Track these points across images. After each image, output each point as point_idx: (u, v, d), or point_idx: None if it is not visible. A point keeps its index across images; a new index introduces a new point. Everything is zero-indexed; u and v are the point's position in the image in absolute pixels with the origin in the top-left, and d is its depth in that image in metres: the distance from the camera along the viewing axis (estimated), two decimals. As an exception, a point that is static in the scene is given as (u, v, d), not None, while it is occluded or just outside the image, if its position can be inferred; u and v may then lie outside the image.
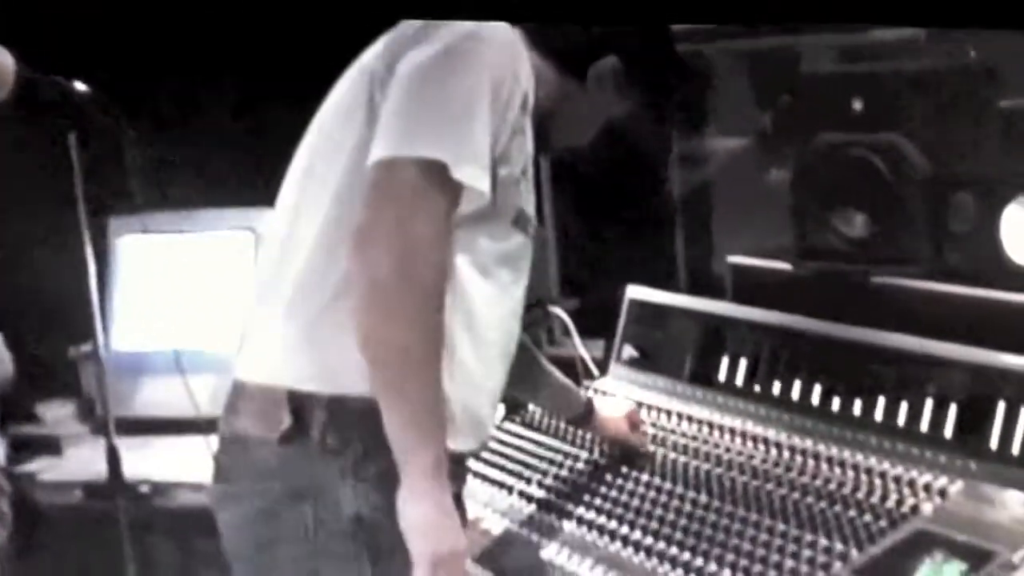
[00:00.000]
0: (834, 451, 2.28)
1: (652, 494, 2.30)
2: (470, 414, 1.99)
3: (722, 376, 2.61)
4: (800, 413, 2.43)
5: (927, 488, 2.12)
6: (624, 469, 2.41)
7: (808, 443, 2.33)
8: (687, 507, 2.23)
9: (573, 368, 2.87)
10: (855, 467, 2.22)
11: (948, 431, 2.21)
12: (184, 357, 3.07)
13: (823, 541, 2.04)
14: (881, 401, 2.31)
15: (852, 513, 2.11)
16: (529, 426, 2.67)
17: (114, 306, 3.41)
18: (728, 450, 2.39)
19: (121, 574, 2.99)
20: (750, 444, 2.39)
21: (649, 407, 2.62)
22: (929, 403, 2.25)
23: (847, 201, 2.56)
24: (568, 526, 2.27)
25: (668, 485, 2.32)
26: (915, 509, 2.08)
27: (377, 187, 1.83)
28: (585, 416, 2.51)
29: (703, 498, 2.25)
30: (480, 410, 2.02)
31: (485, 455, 2.49)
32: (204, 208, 3.39)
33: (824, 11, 0.86)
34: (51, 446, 3.32)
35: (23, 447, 3.27)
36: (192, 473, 2.87)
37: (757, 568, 2.01)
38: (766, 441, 2.38)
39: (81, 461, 3.19)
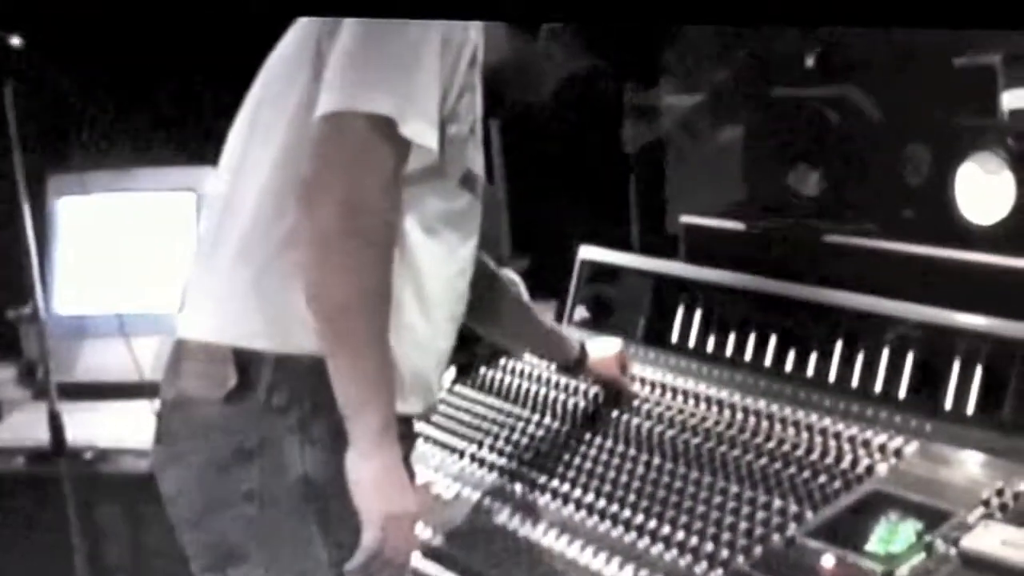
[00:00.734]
0: (788, 412, 2.26)
1: (604, 457, 2.27)
2: (418, 376, 1.96)
3: (675, 337, 2.58)
4: (753, 374, 2.41)
5: (882, 448, 2.11)
6: (577, 432, 2.38)
7: (762, 404, 2.31)
8: (640, 470, 2.20)
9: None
10: (809, 428, 2.20)
11: (902, 391, 2.20)
12: (127, 320, 3.02)
13: (778, 502, 2.02)
14: (835, 361, 2.30)
15: (807, 474, 2.09)
16: (481, 389, 2.64)
17: (55, 268, 3.34)
18: (681, 412, 2.36)
19: (66, 540, 2.95)
20: (703, 406, 2.37)
21: (601, 368, 2.59)
22: (883, 363, 2.23)
23: (800, 157, 2.53)
24: (520, 490, 2.24)
25: (621, 448, 2.29)
26: (870, 470, 2.07)
27: (324, 141, 1.81)
28: (580, 362, 2.48)
29: (656, 460, 2.22)
30: (427, 373, 1.99)
31: (436, 419, 2.46)
32: (145, 167, 3.33)
33: (825, 12, 0.82)
34: (-9, 411, 3.27)
35: (-38, 412, 3.21)
36: (137, 438, 2.82)
37: (711, 530, 1.99)
38: (720, 403, 2.36)
39: (23, 426, 3.12)
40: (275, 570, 1.90)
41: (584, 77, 2.19)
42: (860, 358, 2.26)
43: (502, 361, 2.69)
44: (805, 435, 2.19)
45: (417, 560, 2.04)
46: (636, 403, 2.43)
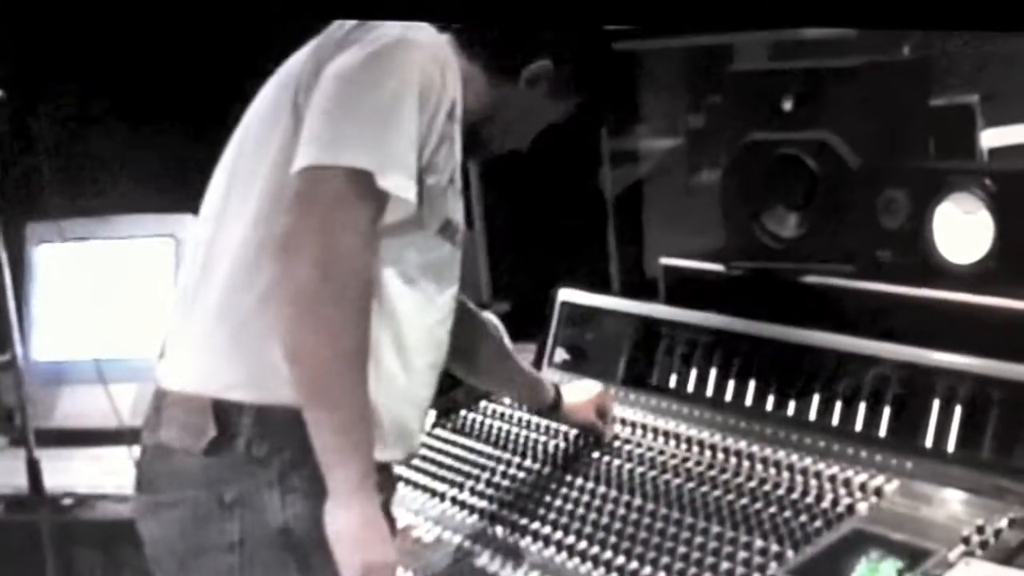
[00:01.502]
0: (768, 452, 2.26)
1: (586, 498, 2.26)
2: (397, 424, 1.95)
3: (655, 378, 2.58)
4: (733, 414, 2.41)
5: (862, 487, 2.10)
6: (557, 473, 2.37)
7: (742, 444, 2.30)
8: (621, 510, 2.20)
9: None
10: (790, 467, 2.20)
11: (883, 430, 2.20)
12: (105, 366, 3.01)
13: (759, 542, 2.02)
14: (815, 401, 2.30)
15: (787, 514, 2.08)
16: (461, 432, 2.63)
17: (33, 315, 3.33)
18: (662, 452, 2.36)
19: (45, 586, 2.93)
20: (684, 446, 2.36)
21: (581, 410, 2.58)
22: (863, 402, 2.23)
23: (778, 200, 2.54)
24: (501, 532, 2.23)
25: (602, 489, 2.28)
26: (851, 508, 2.06)
27: (301, 195, 1.80)
28: (554, 405, 2.47)
29: (637, 501, 2.22)
30: (408, 421, 1.99)
31: (416, 462, 2.45)
32: (123, 214, 3.32)
33: (820, 14, 0.83)
34: (-31, 458, 3.24)
35: (-60, 459, 3.19)
36: (115, 484, 2.80)
37: (692, 571, 1.98)
38: (700, 443, 2.35)
39: (1, 473, 3.10)
40: None
41: (563, 123, 2.19)
42: (840, 397, 2.26)
43: (483, 404, 2.69)
44: (786, 474, 2.19)
45: (399, 603, 2.03)
46: (616, 444, 2.42)
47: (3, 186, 2.82)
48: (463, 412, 2.68)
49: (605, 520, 2.17)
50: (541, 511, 2.24)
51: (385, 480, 1.93)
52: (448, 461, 2.51)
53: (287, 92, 1.92)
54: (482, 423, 2.62)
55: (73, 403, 3.24)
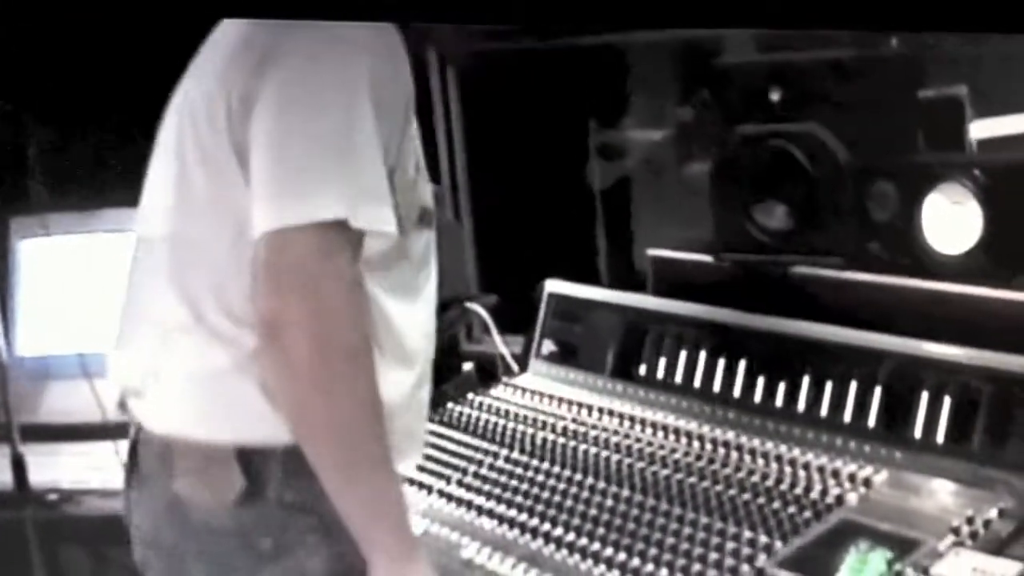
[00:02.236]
0: (757, 443, 2.25)
1: (574, 490, 2.25)
2: (409, 433, 1.91)
3: (643, 370, 2.57)
4: (722, 406, 2.40)
5: (851, 478, 2.10)
6: (545, 465, 2.36)
7: (731, 435, 2.30)
8: (609, 502, 2.18)
9: (493, 365, 2.82)
10: (779, 459, 2.20)
11: (872, 421, 2.19)
12: (90, 360, 2.99)
13: (747, 533, 2.01)
14: (804, 392, 2.29)
15: (776, 505, 2.08)
16: (449, 424, 2.62)
17: (17, 310, 3.30)
18: (650, 444, 2.35)
19: (30, 583, 2.91)
20: (672, 438, 2.36)
21: (570, 402, 2.58)
22: (852, 393, 2.22)
23: (767, 192, 2.53)
24: (489, 524, 2.21)
25: (590, 480, 2.27)
26: (840, 499, 2.06)
27: (273, 266, 1.67)
28: None
29: (625, 493, 2.21)
30: (417, 426, 1.96)
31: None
32: (107, 208, 3.30)
33: (828, 16, 0.82)
34: (-47, 454, 3.22)
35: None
36: (101, 479, 2.79)
37: (681, 562, 1.97)
38: (689, 434, 2.35)
39: (-15, 469, 3.08)
40: None
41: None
42: (829, 389, 2.25)
43: (471, 397, 2.68)
44: (775, 466, 2.18)
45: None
46: (605, 436, 2.41)
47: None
48: (450, 405, 2.67)
49: (593, 512, 2.16)
50: (529, 503, 2.23)
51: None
52: (436, 454, 2.49)
53: (217, 117, 1.77)
54: (470, 416, 2.61)
55: (58, 398, 3.21)
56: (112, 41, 2.96)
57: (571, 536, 2.10)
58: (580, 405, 2.56)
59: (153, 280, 1.88)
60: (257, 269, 1.68)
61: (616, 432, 2.43)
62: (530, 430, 2.50)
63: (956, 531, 1.90)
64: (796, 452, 2.20)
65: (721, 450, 2.27)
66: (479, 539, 2.18)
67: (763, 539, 1.98)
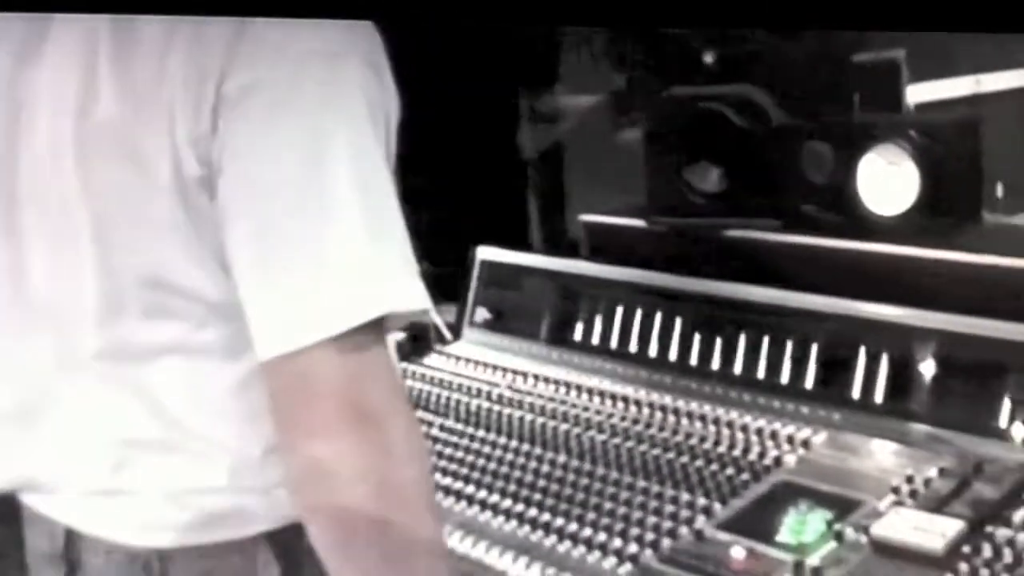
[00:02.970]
0: (694, 406, 2.23)
1: (510, 456, 2.22)
2: None
3: (578, 336, 2.54)
4: (658, 370, 2.38)
5: (790, 439, 2.08)
6: (481, 433, 2.33)
7: (667, 399, 2.28)
8: (546, 468, 2.15)
9: (426, 334, 2.78)
10: (716, 421, 2.18)
11: (809, 382, 2.18)
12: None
13: (686, 496, 1.99)
14: (740, 354, 2.27)
15: (714, 467, 2.06)
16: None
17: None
18: (587, 409, 2.32)
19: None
20: (609, 403, 2.33)
21: (505, 370, 2.55)
22: (789, 355, 2.21)
23: (700, 155, 2.51)
24: (423, 492, 2.18)
25: (526, 447, 2.24)
26: (778, 461, 2.04)
27: (302, 397, 1.34)
28: None
29: (562, 458, 2.18)
30: None
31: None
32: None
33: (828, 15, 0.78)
34: None
35: None
36: None
37: (619, 526, 1.94)
38: (625, 399, 2.32)
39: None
40: None
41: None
42: (765, 351, 2.24)
43: (402, 365, 2.64)
44: (712, 428, 2.16)
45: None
46: (541, 402, 2.38)
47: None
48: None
49: (530, 478, 2.13)
50: (465, 471, 2.19)
51: None
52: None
53: (157, 132, 1.39)
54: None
55: None
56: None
57: (508, 502, 2.07)
58: (515, 372, 2.53)
59: (83, 382, 1.54)
60: (286, 403, 1.37)
61: (552, 398, 2.40)
62: (465, 398, 2.46)
63: (896, 490, 1.89)
64: (734, 414, 2.18)
65: (658, 414, 2.25)
66: (414, 507, 2.14)
67: (701, 501, 1.96)
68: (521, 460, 2.20)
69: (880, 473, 1.96)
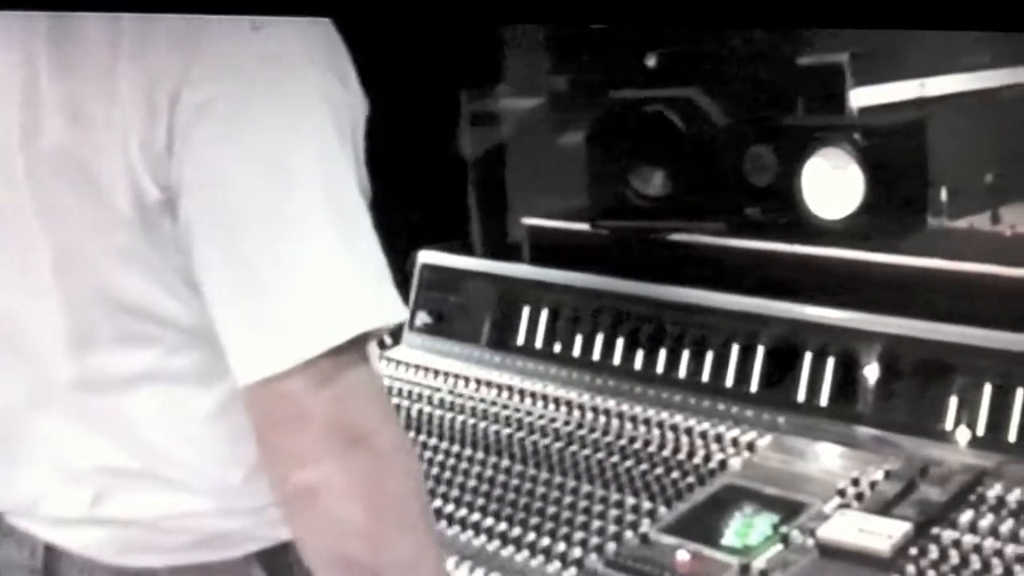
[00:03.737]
0: (639, 410, 2.21)
1: (451, 461, 2.19)
2: None
3: (521, 340, 2.51)
4: (602, 374, 2.36)
5: (735, 443, 2.07)
6: (422, 438, 2.30)
7: (611, 403, 2.26)
8: (488, 472, 2.13)
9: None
10: (660, 425, 2.16)
11: (754, 385, 2.16)
12: None
13: (631, 500, 1.97)
14: (685, 358, 2.26)
15: (659, 471, 2.04)
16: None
17: None
18: (530, 414, 2.30)
19: None
20: (552, 407, 2.31)
21: (446, 374, 2.51)
22: (734, 358, 2.20)
23: (644, 159, 2.49)
24: (363, 496, 2.14)
25: (468, 451, 2.21)
26: (723, 464, 2.03)
27: (288, 423, 1.29)
28: None
29: (505, 463, 2.15)
30: None
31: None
32: None
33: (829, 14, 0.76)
34: None
35: None
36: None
37: (564, 530, 1.92)
38: (569, 403, 2.30)
39: None
40: None
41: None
42: (710, 354, 2.22)
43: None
44: (656, 432, 2.14)
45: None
46: (483, 407, 2.35)
47: None
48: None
49: (472, 483, 2.11)
50: (405, 475, 2.16)
51: None
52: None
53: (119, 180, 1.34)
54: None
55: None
56: None
57: (450, 507, 2.04)
58: (456, 376, 2.50)
59: (58, 413, 1.50)
60: (271, 430, 1.32)
61: (494, 403, 2.37)
62: (405, 402, 2.43)
63: (842, 493, 1.88)
64: (678, 418, 2.16)
65: (602, 418, 2.23)
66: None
67: (646, 505, 1.95)
68: (463, 465, 2.17)
69: (826, 476, 1.95)
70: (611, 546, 1.87)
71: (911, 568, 1.69)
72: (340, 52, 1.39)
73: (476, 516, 2.00)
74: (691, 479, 2.00)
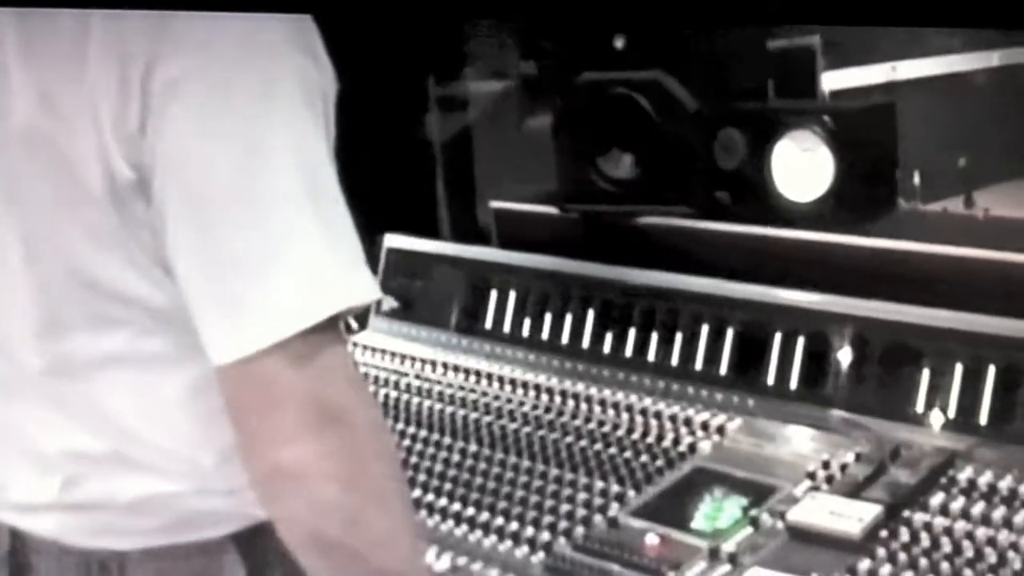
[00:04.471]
0: (607, 394, 2.19)
1: (419, 446, 2.17)
2: None
3: (489, 324, 2.49)
4: (571, 358, 2.34)
5: (704, 426, 2.05)
6: (388, 423, 2.27)
7: (580, 387, 2.24)
8: (456, 457, 2.11)
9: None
10: (629, 409, 2.14)
11: (724, 368, 2.15)
12: None
13: (599, 484, 1.95)
14: (654, 341, 2.24)
15: (628, 455, 2.02)
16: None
17: None
18: (498, 398, 2.28)
19: None
20: (521, 391, 2.28)
21: (413, 359, 2.49)
22: (703, 341, 2.18)
23: (612, 142, 2.48)
24: (330, 482, 2.12)
25: (435, 436, 2.19)
26: (693, 448, 2.01)
27: (264, 401, 1.28)
28: None
29: (473, 447, 2.13)
30: None
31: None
32: None
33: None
34: None
35: None
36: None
37: (532, 514, 1.90)
38: (537, 387, 2.27)
39: None
40: None
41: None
42: (679, 338, 2.21)
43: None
44: (625, 416, 2.12)
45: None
46: (451, 391, 2.33)
47: None
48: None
49: (439, 467, 2.08)
50: (372, 460, 2.14)
51: None
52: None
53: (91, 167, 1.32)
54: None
55: None
56: None
57: (417, 492, 2.02)
58: (424, 361, 2.47)
59: (30, 400, 1.49)
60: (246, 411, 1.31)
61: (462, 387, 2.35)
62: (372, 388, 2.40)
63: (812, 476, 1.87)
64: (647, 402, 2.14)
65: (571, 402, 2.20)
66: (320, 497, 2.08)
67: (615, 489, 1.93)
68: (431, 450, 2.15)
69: (796, 459, 1.94)
70: (580, 530, 1.85)
71: (881, 551, 1.67)
72: (311, 29, 1.36)
73: (443, 501, 1.98)
74: (660, 463, 1.98)
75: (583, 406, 2.18)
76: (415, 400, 2.33)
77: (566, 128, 2.53)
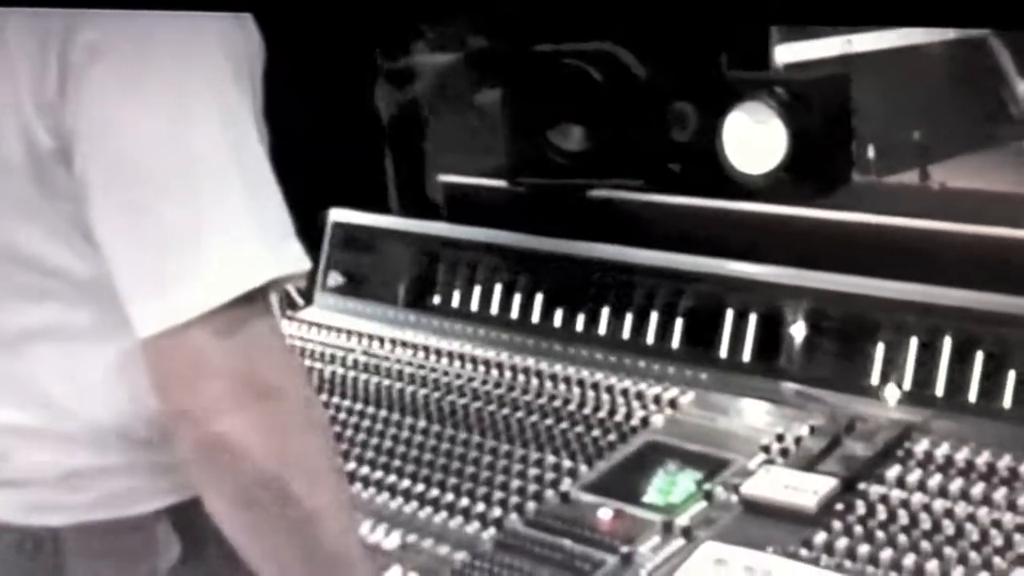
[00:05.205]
0: (559, 368, 2.17)
1: (367, 423, 2.13)
2: None
3: (438, 299, 2.45)
4: (521, 332, 2.30)
5: (657, 400, 2.03)
6: (336, 400, 2.23)
7: (530, 362, 2.20)
8: (405, 434, 2.07)
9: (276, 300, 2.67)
10: (581, 383, 2.11)
11: (676, 342, 2.12)
12: None
13: (551, 459, 1.93)
14: (605, 315, 2.21)
15: (580, 429, 2.00)
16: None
17: None
18: (447, 374, 2.24)
19: None
20: (471, 366, 2.25)
21: (360, 335, 2.44)
22: (655, 315, 2.15)
23: (562, 114, 2.44)
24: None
25: (384, 412, 2.15)
26: (645, 421, 1.99)
27: (190, 372, 1.25)
28: None
29: (422, 423, 2.10)
30: None
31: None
32: None
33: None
34: None
35: None
36: None
37: (482, 490, 1.87)
38: (487, 363, 2.24)
39: None
40: None
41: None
42: (631, 311, 2.18)
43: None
44: (576, 390, 2.10)
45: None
46: (400, 367, 2.29)
47: None
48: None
49: (388, 444, 2.05)
50: (319, 437, 2.10)
51: None
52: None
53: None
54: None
55: None
56: None
57: (365, 469, 1.99)
58: (371, 337, 2.43)
59: None
60: (173, 384, 1.28)
61: (411, 363, 2.31)
62: (318, 364, 2.36)
63: (766, 449, 1.85)
64: (599, 376, 2.12)
65: (521, 377, 2.17)
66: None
67: (567, 464, 1.90)
68: (379, 426, 2.11)
69: (750, 432, 1.92)
70: (531, 506, 1.82)
71: (837, 524, 1.65)
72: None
73: (392, 478, 1.95)
74: (613, 437, 1.95)
75: (534, 381, 2.15)
76: (363, 377, 2.29)
77: (516, 100, 2.49)
